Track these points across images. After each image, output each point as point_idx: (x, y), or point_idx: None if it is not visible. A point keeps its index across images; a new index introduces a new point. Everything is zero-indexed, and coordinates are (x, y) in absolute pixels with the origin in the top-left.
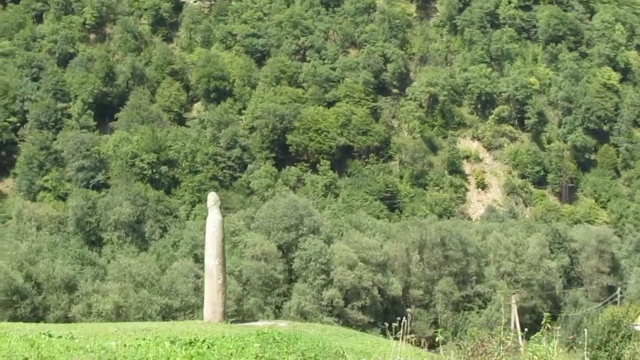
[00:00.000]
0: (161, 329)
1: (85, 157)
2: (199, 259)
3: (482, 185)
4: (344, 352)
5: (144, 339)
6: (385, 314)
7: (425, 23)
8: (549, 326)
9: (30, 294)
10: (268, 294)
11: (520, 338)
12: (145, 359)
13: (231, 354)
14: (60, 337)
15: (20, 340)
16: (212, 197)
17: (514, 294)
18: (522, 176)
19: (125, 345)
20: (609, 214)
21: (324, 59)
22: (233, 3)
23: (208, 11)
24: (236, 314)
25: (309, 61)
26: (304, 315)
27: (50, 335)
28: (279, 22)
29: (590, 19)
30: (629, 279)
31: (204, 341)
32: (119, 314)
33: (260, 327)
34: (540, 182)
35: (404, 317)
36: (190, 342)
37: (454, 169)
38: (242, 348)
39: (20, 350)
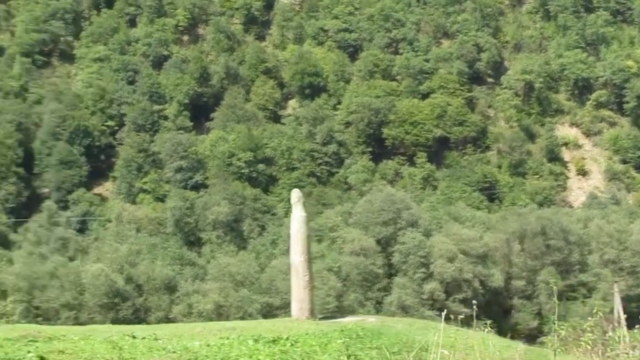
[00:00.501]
0: (247, 328)
1: (182, 158)
2: None
3: (583, 172)
4: (428, 346)
5: (227, 338)
6: (487, 306)
7: (518, 10)
8: None
9: (131, 296)
10: (368, 289)
11: (624, 328)
12: (228, 358)
13: (314, 351)
14: (144, 338)
15: (103, 342)
16: (295, 194)
17: (616, 282)
18: (624, 161)
19: (208, 345)
20: None
21: (416, 51)
22: None
23: (299, 8)
24: (337, 310)
25: (401, 54)
26: (405, 310)
27: (134, 337)
28: (370, 15)
29: None
30: None
31: (287, 338)
32: (219, 314)
33: (347, 323)
34: None
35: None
36: (274, 340)
37: (553, 156)
38: (326, 344)
39: (102, 352)
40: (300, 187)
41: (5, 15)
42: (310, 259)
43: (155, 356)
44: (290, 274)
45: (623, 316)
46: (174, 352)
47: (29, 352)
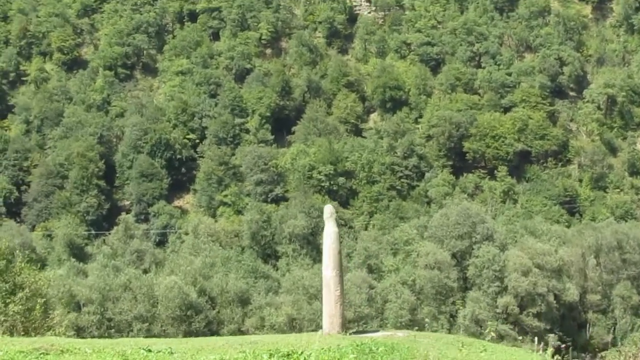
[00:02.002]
0: (270, 342)
1: (263, 171)
2: (372, 270)
3: None
4: None
5: (244, 352)
6: (562, 320)
7: (602, 24)
8: None
9: (204, 309)
10: (442, 303)
11: None
12: None
13: None
14: (159, 352)
15: (115, 355)
16: (328, 210)
17: None
18: None
19: (222, 359)
20: None
21: (499, 65)
22: (407, 13)
23: (382, 21)
24: (410, 323)
25: (484, 67)
26: (478, 323)
27: (149, 350)
28: (453, 29)
29: None
30: None
31: (302, 353)
32: (292, 326)
33: (375, 337)
34: None
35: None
36: (288, 354)
37: (635, 170)
38: (339, 359)
39: None
40: (381, 201)
41: (90, 29)
42: (341, 274)
43: None
44: (322, 288)
45: None
46: None
47: None
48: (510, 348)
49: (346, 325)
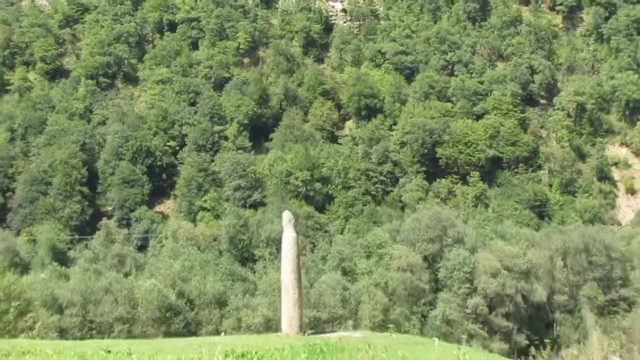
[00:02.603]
0: (228, 343)
1: (241, 177)
2: (346, 272)
3: (632, 191)
4: None
5: (200, 353)
6: (530, 320)
7: (572, 33)
8: None
9: (183, 310)
10: (414, 304)
11: None
12: None
13: None
14: (118, 353)
15: (75, 356)
16: (286, 216)
17: None
18: None
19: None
20: None
21: (471, 73)
22: (381, 22)
23: (357, 31)
24: (382, 323)
25: (457, 75)
26: (449, 324)
27: (108, 351)
28: (427, 38)
29: None
30: None
31: (255, 353)
32: (268, 327)
33: (331, 338)
34: None
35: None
36: (242, 355)
37: (603, 175)
38: (291, 359)
39: None
40: (356, 206)
41: (71, 39)
42: (299, 278)
43: None
44: (281, 291)
45: None
46: None
47: None
48: (460, 346)
49: (304, 327)
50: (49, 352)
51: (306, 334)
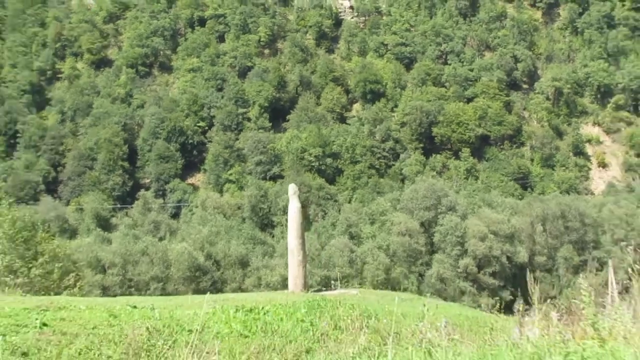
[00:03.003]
0: (241, 299)
1: (262, 153)
2: (353, 237)
3: (603, 165)
4: (376, 315)
5: (214, 308)
6: (513, 278)
7: (550, 27)
8: None
9: (210, 270)
10: (412, 264)
11: (615, 296)
12: (207, 324)
13: (281, 319)
14: (143, 308)
15: (104, 311)
16: (291, 188)
17: (612, 257)
18: (638, 155)
19: (195, 314)
20: None
21: (462, 62)
22: (384, 18)
23: (363, 25)
24: (385, 282)
25: (450, 64)
26: (443, 282)
27: (134, 307)
28: (424, 31)
29: None
30: None
31: (262, 308)
32: (285, 285)
33: (331, 295)
34: None
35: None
36: (251, 310)
37: (578, 151)
38: (292, 314)
39: (98, 319)
40: (362, 178)
41: (114, 33)
42: (303, 242)
43: (138, 323)
44: (287, 253)
45: (614, 285)
46: (160, 319)
47: (36, 319)
48: (442, 302)
49: (307, 285)
50: (82, 307)
51: (309, 292)
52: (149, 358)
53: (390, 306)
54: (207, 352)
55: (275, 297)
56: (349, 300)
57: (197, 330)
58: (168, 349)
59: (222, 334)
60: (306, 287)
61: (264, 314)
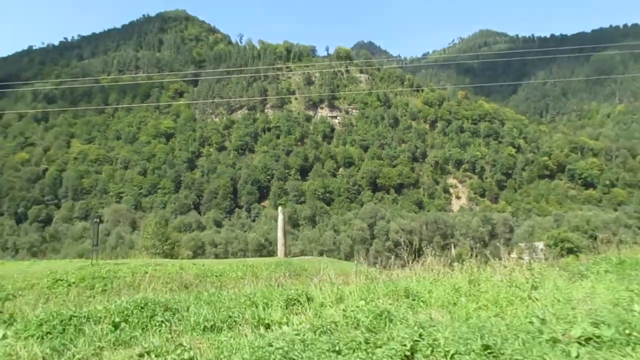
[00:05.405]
0: (248, 261)
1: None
2: (336, 230)
3: (458, 197)
4: (305, 268)
5: (231, 265)
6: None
7: (433, 132)
8: None
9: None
10: (363, 244)
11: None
12: (222, 271)
13: (261, 270)
14: (202, 265)
15: (174, 266)
16: (280, 209)
17: (456, 244)
18: (475, 194)
19: (221, 267)
20: None
21: (392, 148)
22: (355, 127)
23: (344, 130)
24: (350, 254)
25: (384, 150)
26: (378, 253)
27: (194, 264)
28: (373, 134)
29: None
30: None
31: (252, 265)
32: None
33: (297, 259)
34: None
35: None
36: (246, 266)
37: (446, 190)
38: (267, 268)
39: (174, 272)
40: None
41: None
42: (284, 235)
43: (185, 271)
44: (277, 230)
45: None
46: (202, 270)
47: (145, 270)
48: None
49: (289, 254)
50: (168, 265)
51: (288, 257)
52: (191, 288)
53: (317, 265)
54: (222, 284)
55: (265, 260)
56: (302, 262)
57: (218, 274)
58: (200, 282)
59: (230, 277)
60: (287, 255)
61: (253, 267)
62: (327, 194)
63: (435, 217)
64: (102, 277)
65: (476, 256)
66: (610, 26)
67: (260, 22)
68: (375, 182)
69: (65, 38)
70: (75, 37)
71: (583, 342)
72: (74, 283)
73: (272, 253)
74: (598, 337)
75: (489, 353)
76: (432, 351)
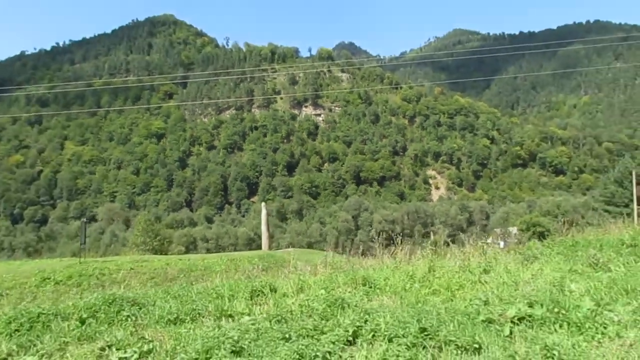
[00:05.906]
0: (234, 255)
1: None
2: (323, 223)
3: (437, 188)
4: (285, 260)
5: (216, 259)
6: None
7: (412, 126)
8: None
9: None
10: (347, 236)
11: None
12: (209, 265)
13: (243, 262)
14: (187, 260)
15: (160, 261)
16: (262, 205)
17: (435, 232)
18: (453, 184)
19: (205, 260)
20: None
21: (373, 143)
22: (338, 124)
23: (327, 127)
24: (336, 245)
25: (366, 145)
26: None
27: (189, 260)
28: (355, 130)
29: None
30: None
31: (235, 259)
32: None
33: (280, 252)
34: None
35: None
36: (229, 259)
37: (426, 181)
38: (248, 261)
39: (160, 265)
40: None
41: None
42: (268, 229)
43: (171, 267)
44: (261, 225)
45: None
46: (187, 265)
47: (130, 267)
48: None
49: (273, 248)
50: (154, 260)
51: (271, 250)
52: (176, 281)
53: (300, 257)
54: (202, 277)
55: (250, 253)
56: (283, 255)
57: (202, 268)
58: (184, 277)
59: (214, 271)
60: (271, 248)
61: (235, 261)
62: (313, 188)
63: (416, 207)
64: (88, 275)
65: (452, 242)
66: (574, 22)
67: (246, 23)
68: (358, 176)
69: (57, 43)
70: (67, 42)
71: (517, 322)
72: (61, 281)
73: (261, 246)
74: (530, 316)
75: (426, 335)
76: (373, 335)
